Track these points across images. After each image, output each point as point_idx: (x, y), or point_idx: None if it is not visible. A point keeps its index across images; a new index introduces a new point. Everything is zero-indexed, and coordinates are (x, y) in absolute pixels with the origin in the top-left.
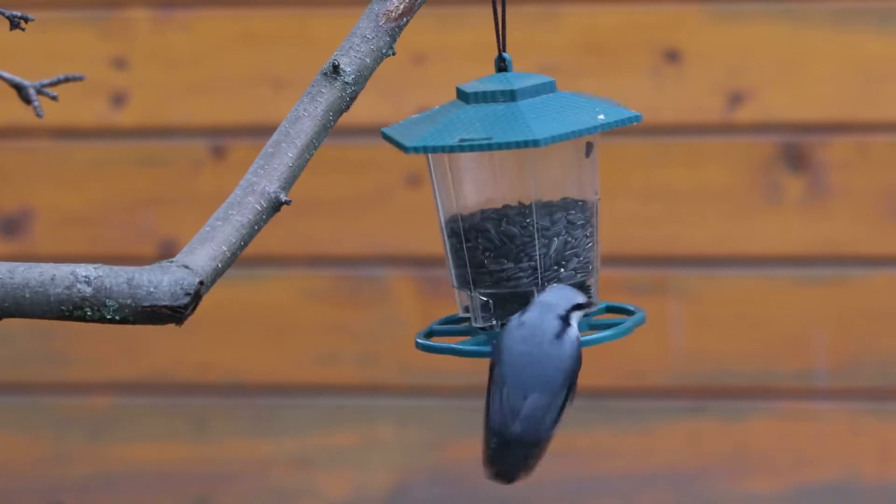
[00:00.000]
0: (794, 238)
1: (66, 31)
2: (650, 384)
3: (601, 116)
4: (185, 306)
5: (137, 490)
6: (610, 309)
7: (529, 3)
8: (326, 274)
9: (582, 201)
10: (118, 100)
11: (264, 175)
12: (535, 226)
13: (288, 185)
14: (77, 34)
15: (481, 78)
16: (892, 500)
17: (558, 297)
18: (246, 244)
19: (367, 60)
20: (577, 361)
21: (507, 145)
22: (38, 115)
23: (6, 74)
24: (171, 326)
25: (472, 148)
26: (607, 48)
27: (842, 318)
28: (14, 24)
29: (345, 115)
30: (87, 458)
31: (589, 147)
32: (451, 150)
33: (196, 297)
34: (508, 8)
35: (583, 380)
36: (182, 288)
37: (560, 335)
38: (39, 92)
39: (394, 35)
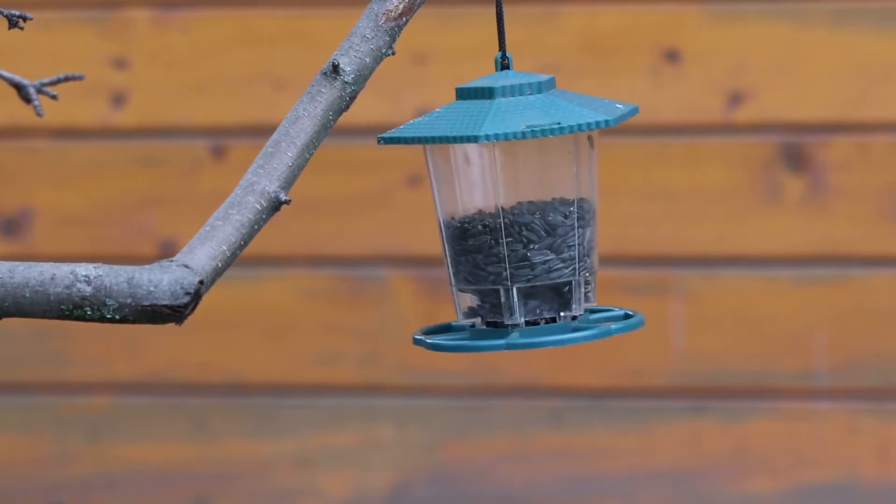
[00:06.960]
0: (794, 238)
1: (66, 31)
2: (650, 384)
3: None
4: (185, 305)
5: (137, 490)
6: (593, 311)
7: (529, 3)
8: (326, 274)
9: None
10: (118, 100)
11: (264, 174)
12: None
13: (288, 184)
14: (77, 34)
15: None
16: (892, 500)
17: None
18: (246, 244)
19: (367, 60)
20: None
21: (579, 127)
22: (38, 115)
23: (6, 73)
24: (171, 326)
25: (542, 133)
26: (607, 48)
27: (842, 318)
28: (13, 22)
29: (345, 114)
30: (87, 458)
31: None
32: (523, 135)
33: (196, 296)
34: (508, 8)
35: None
36: (182, 287)
37: None
38: (39, 91)
39: (393, 34)
